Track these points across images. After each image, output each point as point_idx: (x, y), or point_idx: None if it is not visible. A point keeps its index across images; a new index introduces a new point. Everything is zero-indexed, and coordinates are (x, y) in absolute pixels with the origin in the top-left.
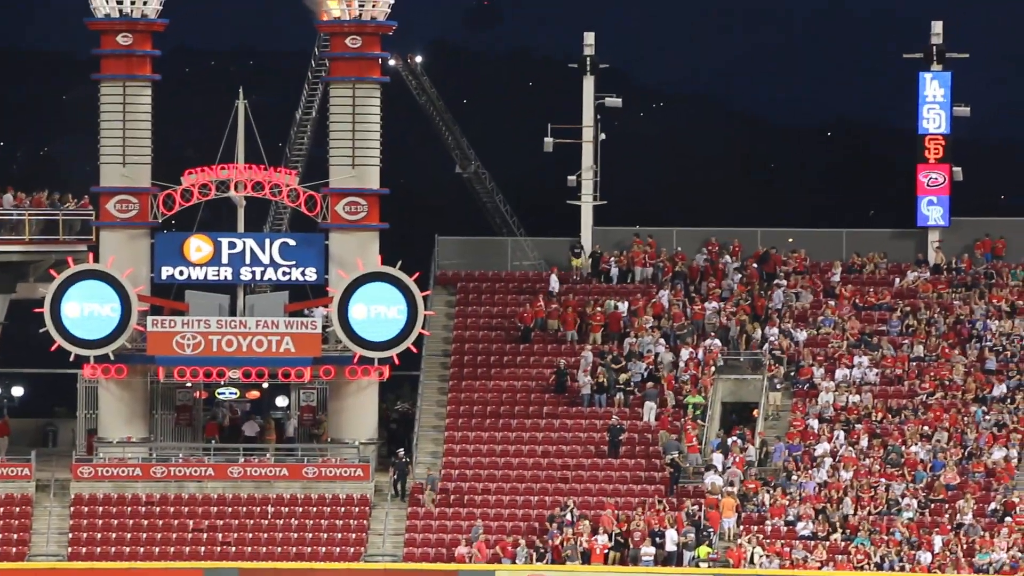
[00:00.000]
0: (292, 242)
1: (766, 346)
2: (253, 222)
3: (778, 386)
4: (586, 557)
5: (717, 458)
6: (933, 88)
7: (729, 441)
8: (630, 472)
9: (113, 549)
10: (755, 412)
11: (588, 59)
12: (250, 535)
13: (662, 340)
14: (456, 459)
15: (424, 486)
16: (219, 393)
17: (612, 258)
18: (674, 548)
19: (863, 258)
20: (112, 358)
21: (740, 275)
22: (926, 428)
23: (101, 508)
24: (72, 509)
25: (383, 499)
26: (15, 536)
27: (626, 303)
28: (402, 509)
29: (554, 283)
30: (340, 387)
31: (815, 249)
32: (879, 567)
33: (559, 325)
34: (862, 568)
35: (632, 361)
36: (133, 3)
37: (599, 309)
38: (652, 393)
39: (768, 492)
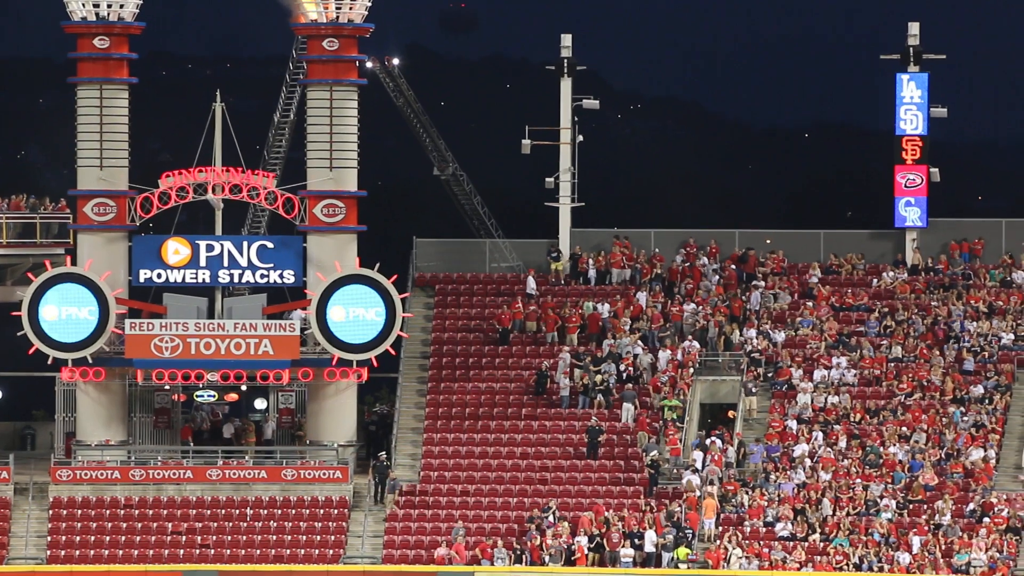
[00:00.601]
0: (270, 245)
1: (747, 347)
2: (231, 225)
3: (753, 390)
4: (569, 559)
5: (697, 455)
6: (910, 89)
7: (708, 441)
8: (609, 473)
9: (92, 552)
10: (730, 413)
11: (565, 61)
12: (229, 537)
13: (640, 342)
14: (435, 461)
15: (387, 489)
16: (197, 396)
17: (590, 259)
18: (653, 549)
19: (841, 259)
20: (90, 361)
21: (718, 276)
22: (904, 429)
23: (80, 511)
24: (51, 512)
25: (362, 501)
26: None
27: (605, 304)
28: (381, 511)
29: (531, 285)
30: (318, 389)
31: (793, 250)
32: (858, 568)
33: (537, 327)
34: (841, 569)
35: (607, 363)
36: (110, 6)
37: (576, 310)
38: (630, 394)
39: (747, 493)
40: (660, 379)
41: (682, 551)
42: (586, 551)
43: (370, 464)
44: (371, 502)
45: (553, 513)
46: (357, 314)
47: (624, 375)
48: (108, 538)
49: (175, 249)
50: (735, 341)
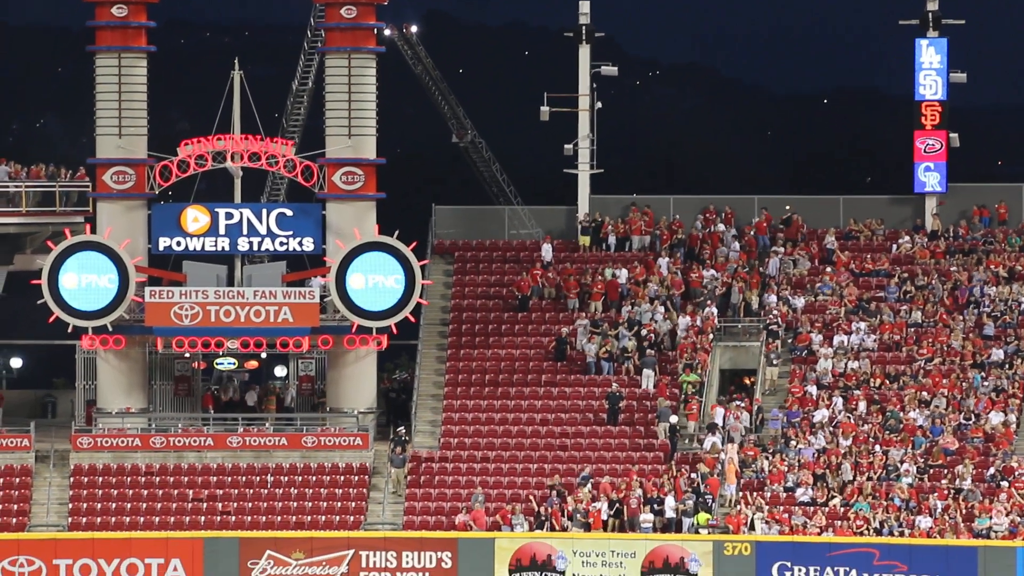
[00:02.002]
0: (289, 212)
1: (767, 314)
2: (250, 193)
3: (775, 361)
4: (588, 525)
5: (718, 412)
6: (929, 55)
7: (731, 405)
8: (629, 440)
9: (113, 519)
10: (746, 379)
11: (584, 28)
12: (250, 504)
13: (662, 307)
14: (455, 428)
15: (392, 466)
16: (217, 364)
17: (610, 226)
18: (673, 515)
19: (860, 224)
20: (110, 329)
21: (738, 242)
22: (925, 394)
23: (101, 478)
24: (72, 480)
25: (382, 467)
26: (15, 507)
27: (623, 271)
28: (401, 478)
29: (546, 252)
30: (338, 357)
31: (812, 216)
32: (878, 532)
33: (556, 292)
34: (862, 533)
35: (622, 327)
36: None
37: (599, 277)
38: (650, 360)
39: (767, 458)
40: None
41: (702, 516)
42: (604, 517)
43: (390, 438)
44: (389, 477)
45: (589, 481)
46: (376, 281)
47: (646, 341)
48: (129, 505)
49: (194, 217)
50: (754, 307)
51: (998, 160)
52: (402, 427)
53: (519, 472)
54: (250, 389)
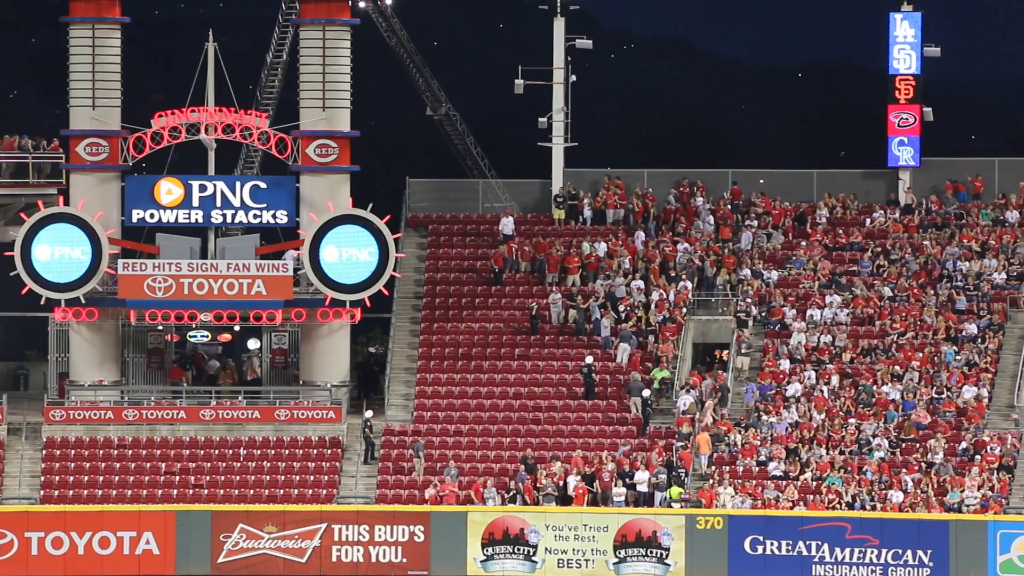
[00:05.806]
0: (263, 185)
1: (740, 291)
2: (224, 165)
3: (744, 351)
4: (565, 499)
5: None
6: (903, 28)
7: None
8: (602, 413)
9: (85, 492)
10: (719, 353)
11: (558, 1)
12: (222, 478)
13: (642, 281)
14: (428, 401)
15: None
16: (191, 336)
17: (585, 200)
18: (646, 489)
19: (834, 199)
20: (83, 301)
21: (712, 216)
22: (897, 368)
23: (73, 451)
24: (44, 452)
25: (355, 441)
26: None
27: (601, 244)
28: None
29: (505, 225)
30: (312, 330)
31: (785, 190)
32: (850, 506)
33: (530, 266)
34: (834, 507)
35: (593, 300)
36: None
37: (575, 251)
38: (626, 335)
39: (740, 433)
40: (656, 318)
41: (675, 490)
42: (581, 491)
43: (361, 428)
44: (360, 460)
45: (559, 462)
46: (350, 254)
47: (624, 315)
48: (101, 478)
49: (168, 189)
50: (721, 282)
51: (972, 134)
52: (369, 412)
53: (492, 446)
54: (212, 359)
